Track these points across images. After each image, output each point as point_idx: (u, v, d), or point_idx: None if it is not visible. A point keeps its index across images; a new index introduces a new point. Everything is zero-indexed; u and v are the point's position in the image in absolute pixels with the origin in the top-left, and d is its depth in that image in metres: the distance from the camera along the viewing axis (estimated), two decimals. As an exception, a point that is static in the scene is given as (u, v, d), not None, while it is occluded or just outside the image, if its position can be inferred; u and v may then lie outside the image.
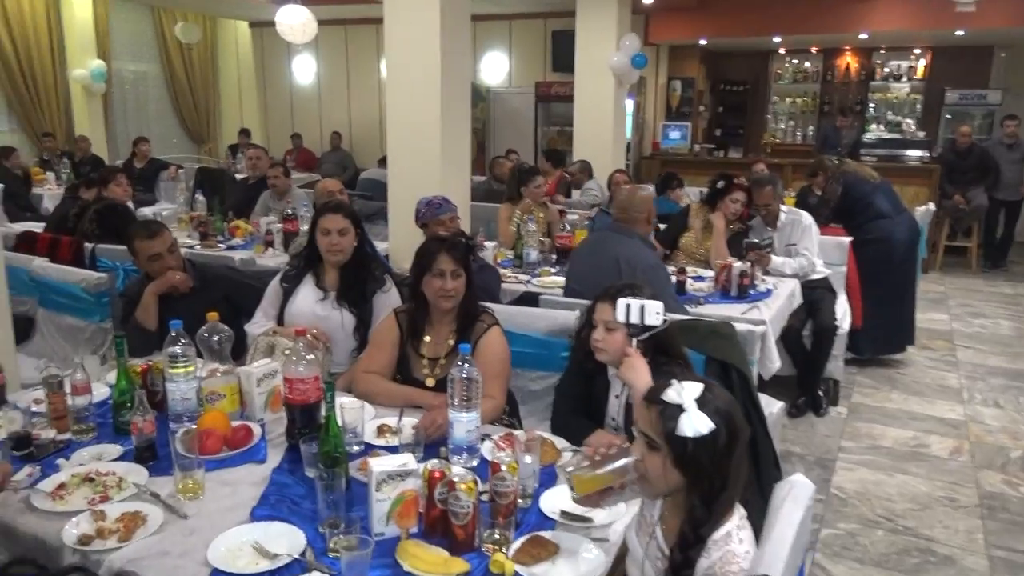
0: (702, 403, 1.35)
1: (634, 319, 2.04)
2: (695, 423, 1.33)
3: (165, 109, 11.57)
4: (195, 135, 11.93)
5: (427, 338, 2.48)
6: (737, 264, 3.83)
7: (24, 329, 3.68)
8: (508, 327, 2.61)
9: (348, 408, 2.06)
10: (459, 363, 2.00)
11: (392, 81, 4.36)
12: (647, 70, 9.00)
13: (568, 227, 4.67)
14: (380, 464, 1.66)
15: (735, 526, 1.38)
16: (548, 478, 1.92)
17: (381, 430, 2.19)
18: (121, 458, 2.02)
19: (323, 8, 8.51)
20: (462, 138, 4.54)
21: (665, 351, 2.15)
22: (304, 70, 12.16)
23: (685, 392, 1.36)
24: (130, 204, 5.88)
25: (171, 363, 2.16)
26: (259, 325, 2.89)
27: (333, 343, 2.81)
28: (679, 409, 1.35)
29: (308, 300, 2.88)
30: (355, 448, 2.06)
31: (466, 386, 1.97)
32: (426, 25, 4.11)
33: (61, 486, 1.81)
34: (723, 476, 1.36)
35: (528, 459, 1.84)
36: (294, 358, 2.04)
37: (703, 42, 9.95)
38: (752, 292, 3.81)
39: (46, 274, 3.58)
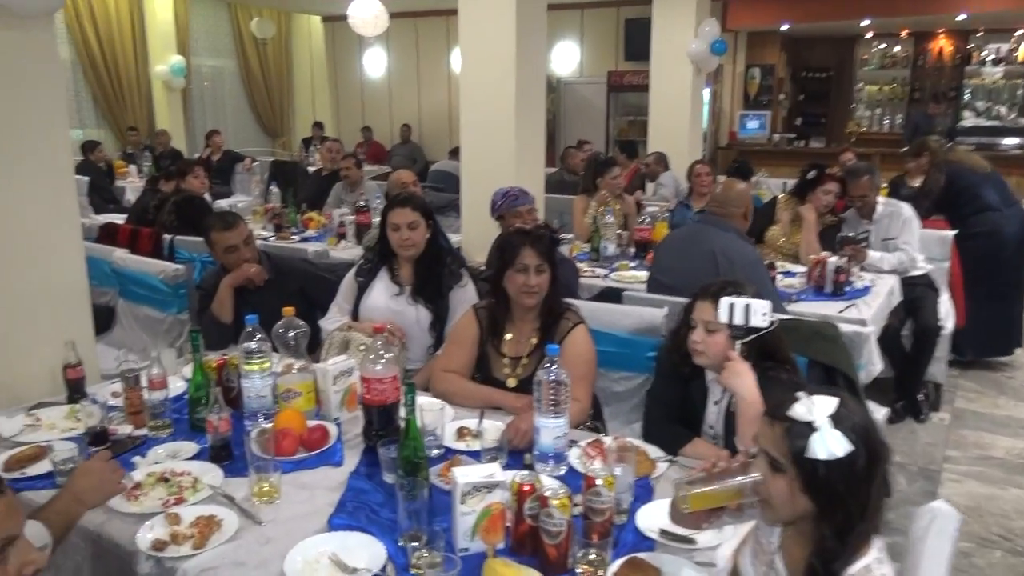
0: (837, 420, 1.17)
1: (738, 320, 1.86)
2: (829, 444, 1.16)
3: (241, 103, 11.80)
4: (269, 129, 12.14)
5: (508, 336, 2.35)
6: (832, 259, 3.58)
7: (105, 319, 3.72)
8: (591, 325, 2.46)
9: (428, 410, 1.95)
10: (546, 365, 1.85)
11: (466, 72, 4.30)
12: (724, 58, 8.66)
13: (648, 219, 4.47)
14: (465, 474, 1.54)
15: (874, 559, 1.20)
16: (643, 492, 1.77)
17: (461, 433, 2.08)
18: (196, 456, 1.96)
19: (394, 1, 8.48)
20: (537, 129, 4.46)
21: (770, 355, 1.97)
22: (375, 63, 12.21)
23: (816, 408, 1.18)
24: (207, 196, 5.97)
25: (246, 359, 2.09)
26: (333, 320, 2.81)
27: (408, 339, 2.71)
28: (809, 427, 1.18)
29: (383, 295, 2.79)
30: (435, 452, 1.95)
31: (554, 390, 1.83)
32: (502, 16, 4.05)
33: (137, 486, 1.75)
34: (860, 504, 1.19)
35: (622, 470, 1.69)
36: (371, 356, 1.94)
37: (784, 27, 9.54)
38: (848, 289, 3.55)
39: (126, 265, 3.61)
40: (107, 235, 4.36)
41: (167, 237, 4.23)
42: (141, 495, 1.72)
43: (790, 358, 2.01)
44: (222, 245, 2.91)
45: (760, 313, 1.86)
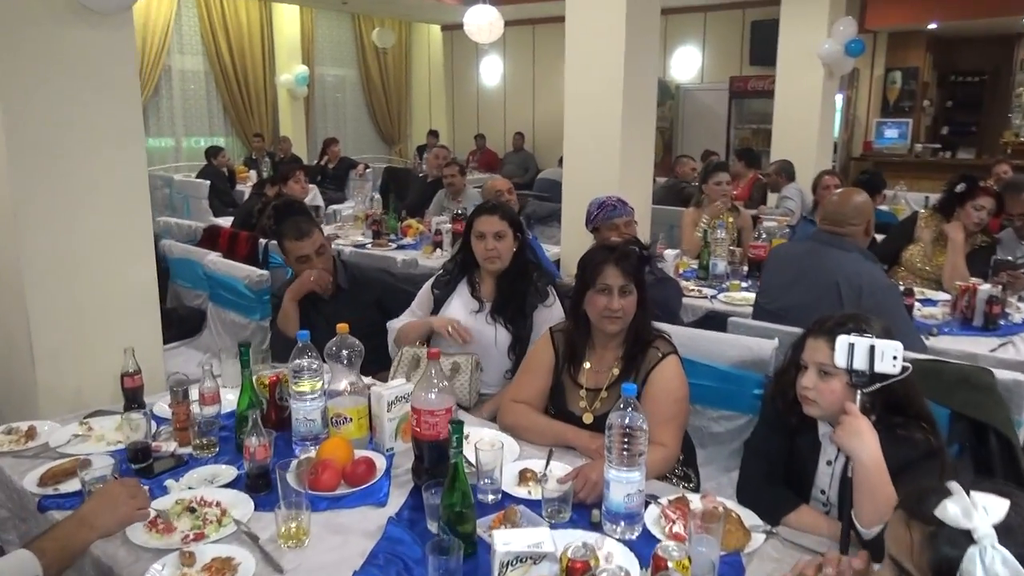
0: (1007, 532, 0.84)
1: (859, 364, 1.51)
2: (992, 566, 0.82)
3: (360, 111, 12.06)
4: (387, 136, 12.34)
5: (587, 365, 2.08)
6: (984, 287, 3.07)
7: (197, 323, 3.72)
8: (688, 354, 2.15)
9: (484, 449, 1.71)
10: (621, 406, 1.57)
11: (571, 78, 4.15)
12: (860, 60, 7.98)
13: (764, 235, 4.06)
14: (506, 541, 1.29)
15: None
16: (730, 572, 1.44)
17: (524, 476, 1.82)
18: (234, 483, 1.80)
19: (511, 8, 8.37)
20: (645, 138, 4.22)
21: (900, 407, 1.60)
22: (491, 71, 12.19)
23: (979, 511, 0.85)
24: (319, 201, 6.02)
25: (295, 377, 1.93)
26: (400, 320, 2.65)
27: (486, 361, 2.49)
28: (966, 538, 0.84)
29: (460, 311, 2.58)
30: (490, 498, 1.71)
31: (628, 436, 1.55)
32: (611, 20, 3.86)
33: (159, 517, 1.60)
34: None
35: (705, 544, 1.38)
36: (424, 384, 1.73)
37: (932, 26, 8.70)
38: (1004, 323, 3.05)
39: (216, 269, 3.58)
40: (208, 238, 4.40)
41: (263, 241, 4.21)
42: (164, 526, 1.57)
43: (926, 413, 1.62)
44: (295, 254, 2.80)
45: (889, 356, 1.50)
